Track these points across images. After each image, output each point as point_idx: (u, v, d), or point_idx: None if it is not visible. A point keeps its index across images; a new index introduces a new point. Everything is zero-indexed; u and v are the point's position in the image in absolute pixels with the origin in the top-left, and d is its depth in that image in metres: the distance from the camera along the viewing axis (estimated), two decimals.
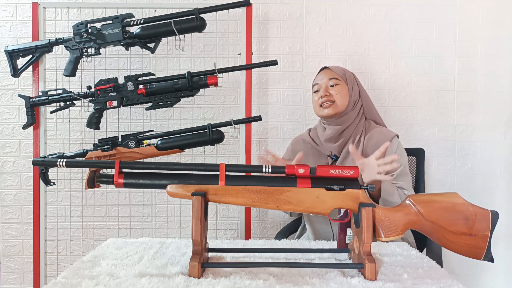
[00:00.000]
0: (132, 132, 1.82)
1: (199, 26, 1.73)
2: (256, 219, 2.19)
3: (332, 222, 1.46)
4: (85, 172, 2.07)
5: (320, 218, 1.54)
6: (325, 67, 1.64)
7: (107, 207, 2.13)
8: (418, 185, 1.83)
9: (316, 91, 1.60)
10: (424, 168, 1.88)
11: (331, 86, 1.56)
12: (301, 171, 0.94)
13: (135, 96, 1.76)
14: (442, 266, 1.10)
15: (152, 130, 1.84)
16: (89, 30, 1.75)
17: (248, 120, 1.86)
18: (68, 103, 1.82)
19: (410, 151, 1.84)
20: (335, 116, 1.55)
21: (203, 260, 0.92)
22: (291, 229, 1.80)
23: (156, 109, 1.92)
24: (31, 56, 1.85)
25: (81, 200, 2.14)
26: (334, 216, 1.01)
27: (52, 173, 1.93)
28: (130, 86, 1.75)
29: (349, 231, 1.08)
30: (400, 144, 1.55)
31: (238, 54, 2.01)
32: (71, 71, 1.80)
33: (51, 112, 1.86)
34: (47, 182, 1.85)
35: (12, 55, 1.84)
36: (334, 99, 1.54)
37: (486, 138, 2.18)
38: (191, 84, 1.73)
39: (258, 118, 1.85)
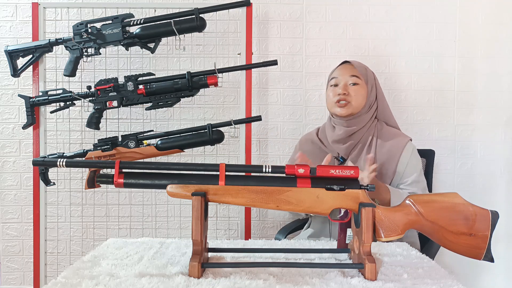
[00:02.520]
0: (132, 132, 1.82)
1: (199, 26, 1.73)
2: (256, 219, 2.19)
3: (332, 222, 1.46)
4: (85, 172, 2.07)
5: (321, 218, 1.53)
6: (347, 61, 1.57)
7: (107, 207, 2.13)
8: (427, 186, 1.80)
9: (333, 85, 1.53)
10: (433, 170, 1.83)
11: (351, 84, 1.50)
12: (301, 171, 0.94)
13: (135, 96, 1.75)
14: None
15: (152, 130, 1.84)
16: (89, 30, 1.75)
17: (248, 120, 1.86)
18: (68, 103, 1.82)
19: (420, 153, 1.81)
20: (348, 117, 1.50)
21: (203, 260, 0.92)
22: (292, 227, 1.79)
23: (156, 109, 1.92)
24: (31, 56, 1.85)
25: (81, 200, 2.14)
26: (334, 216, 1.01)
27: (52, 173, 1.93)
28: (130, 86, 1.75)
29: (349, 231, 1.08)
30: (415, 150, 1.50)
31: (238, 54, 2.00)
32: (71, 71, 1.80)
33: (51, 112, 1.86)
34: (47, 182, 1.85)
35: (12, 55, 1.84)
36: (351, 100, 1.48)
37: (486, 138, 2.18)
38: (191, 84, 1.73)
39: (258, 118, 1.85)
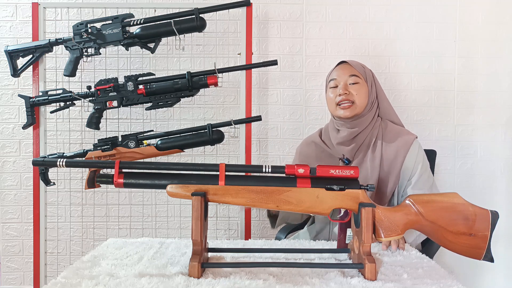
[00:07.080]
0: (132, 132, 1.82)
1: (199, 26, 1.73)
2: (256, 219, 2.19)
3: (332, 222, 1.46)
4: (85, 172, 2.07)
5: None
6: (344, 61, 1.50)
7: (107, 207, 2.13)
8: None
9: (333, 87, 1.48)
10: (434, 170, 1.80)
11: (351, 84, 1.44)
12: (301, 171, 0.94)
13: (135, 96, 1.75)
14: None
15: (152, 130, 1.84)
16: (89, 30, 1.75)
17: (248, 120, 1.86)
18: (68, 103, 1.82)
19: None
20: (352, 118, 1.45)
21: (203, 260, 0.92)
22: (293, 226, 1.78)
23: (156, 109, 1.92)
24: (31, 56, 1.85)
25: (81, 200, 2.14)
26: (334, 216, 1.01)
27: (52, 173, 1.93)
28: (130, 86, 1.75)
29: (349, 231, 1.08)
30: (421, 148, 1.46)
31: (238, 54, 2.00)
32: (71, 71, 1.80)
33: (51, 112, 1.86)
34: (47, 182, 1.85)
35: (12, 55, 1.84)
36: (354, 99, 1.42)
37: (486, 138, 2.18)
38: (191, 84, 1.73)
39: (258, 118, 1.85)
